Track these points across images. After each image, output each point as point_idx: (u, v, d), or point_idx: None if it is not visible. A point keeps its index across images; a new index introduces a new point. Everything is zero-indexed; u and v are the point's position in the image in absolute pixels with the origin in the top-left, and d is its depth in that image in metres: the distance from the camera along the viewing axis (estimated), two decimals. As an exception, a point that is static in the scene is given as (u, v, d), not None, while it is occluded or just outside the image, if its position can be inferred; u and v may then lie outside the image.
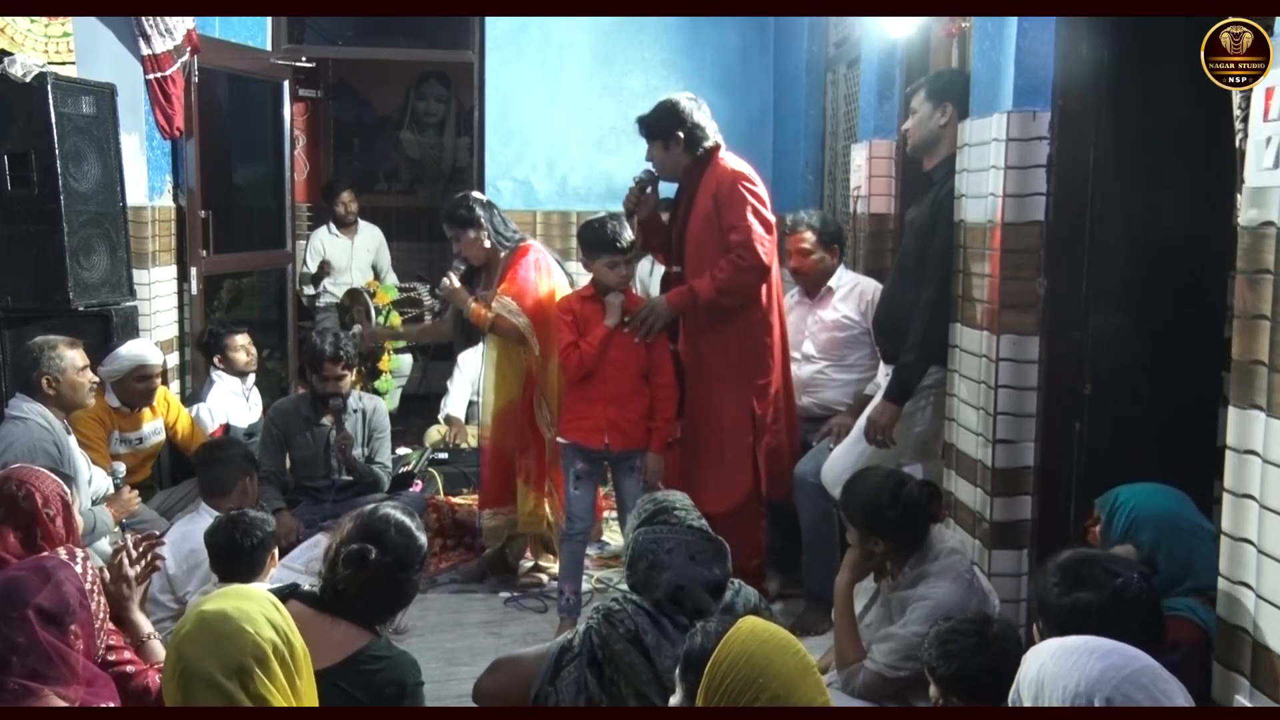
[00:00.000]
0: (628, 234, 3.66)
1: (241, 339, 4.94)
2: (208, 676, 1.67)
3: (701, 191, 3.73)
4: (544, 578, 4.22)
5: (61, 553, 2.09)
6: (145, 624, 2.50)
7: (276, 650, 1.72)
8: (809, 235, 4.06)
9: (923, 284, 3.32)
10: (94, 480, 3.80)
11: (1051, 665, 1.66)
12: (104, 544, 3.49)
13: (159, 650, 2.48)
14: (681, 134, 3.72)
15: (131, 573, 2.49)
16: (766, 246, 3.65)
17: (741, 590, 2.55)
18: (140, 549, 2.56)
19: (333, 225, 6.85)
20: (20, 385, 3.72)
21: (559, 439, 3.80)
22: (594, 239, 3.68)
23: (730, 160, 3.77)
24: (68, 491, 2.48)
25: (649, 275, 5.63)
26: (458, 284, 4.00)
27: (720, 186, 3.69)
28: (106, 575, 2.48)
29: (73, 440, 3.74)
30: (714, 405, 3.76)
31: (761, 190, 3.73)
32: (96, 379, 3.84)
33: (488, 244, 4.01)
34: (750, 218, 3.64)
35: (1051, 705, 1.63)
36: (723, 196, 3.67)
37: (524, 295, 3.91)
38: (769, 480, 3.82)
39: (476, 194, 4.19)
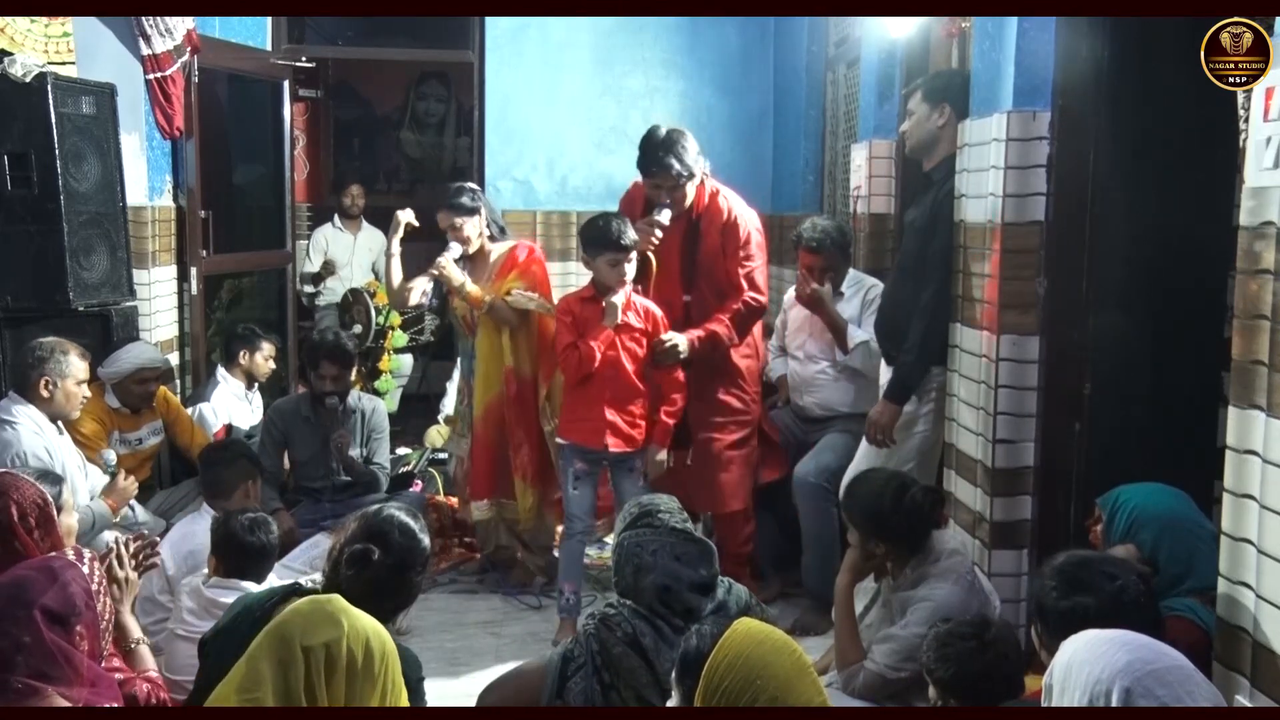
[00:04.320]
0: (630, 233, 3.65)
1: (270, 349, 5.02)
2: (288, 637, 1.71)
3: (708, 226, 3.82)
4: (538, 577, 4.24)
5: (69, 553, 2.08)
6: (135, 629, 2.49)
7: (351, 663, 1.74)
8: (818, 260, 3.97)
9: (923, 285, 3.32)
10: (90, 478, 3.80)
11: (1083, 652, 1.67)
12: (107, 536, 3.48)
13: (147, 657, 2.47)
14: (700, 172, 3.78)
15: (125, 575, 2.49)
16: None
17: (733, 589, 2.54)
18: (133, 550, 2.54)
19: (337, 219, 6.87)
20: (15, 385, 3.70)
21: (558, 439, 3.81)
22: (597, 236, 3.66)
23: (727, 194, 3.87)
24: (50, 500, 2.41)
25: None
26: (453, 265, 3.99)
27: (734, 235, 3.81)
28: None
29: (66, 440, 3.74)
30: (717, 428, 3.88)
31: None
32: (89, 395, 3.84)
33: (487, 233, 4.10)
34: (757, 257, 3.85)
35: (1074, 691, 1.64)
36: (736, 245, 3.81)
37: (540, 286, 4.06)
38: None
39: (473, 185, 4.26)
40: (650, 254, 3.82)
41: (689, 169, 3.70)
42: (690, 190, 3.78)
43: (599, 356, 3.62)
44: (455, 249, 4.02)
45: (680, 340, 3.70)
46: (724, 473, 3.85)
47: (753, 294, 3.82)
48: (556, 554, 4.22)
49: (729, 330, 3.79)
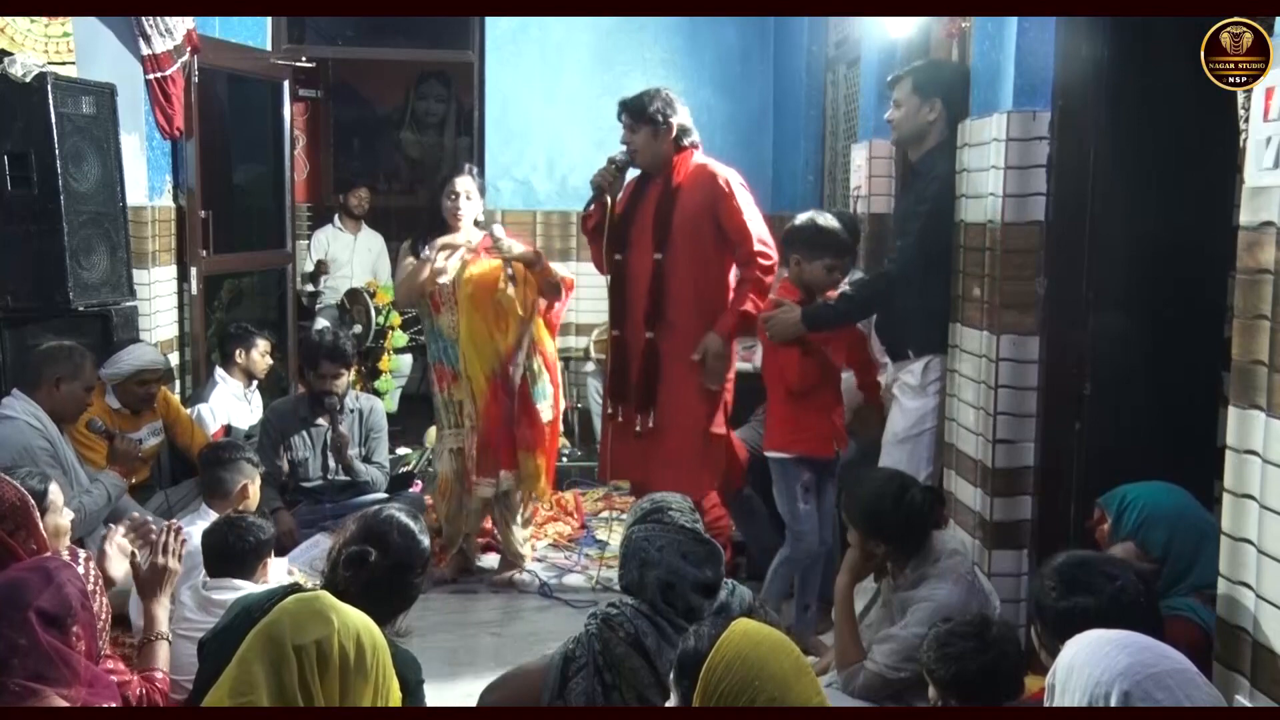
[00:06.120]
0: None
1: (265, 345, 5.02)
2: (278, 637, 1.71)
3: (688, 188, 3.79)
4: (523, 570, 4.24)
5: (64, 553, 2.08)
6: (163, 622, 2.49)
7: (344, 660, 1.73)
8: None
9: (929, 278, 3.30)
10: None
11: (1084, 653, 1.67)
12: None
13: (160, 653, 2.47)
14: (674, 123, 3.77)
15: (164, 563, 2.50)
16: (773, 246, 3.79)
17: (736, 590, 2.54)
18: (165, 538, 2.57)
19: (339, 219, 6.88)
20: (27, 384, 3.70)
21: (774, 453, 3.58)
22: (822, 240, 3.47)
23: (710, 161, 3.87)
24: (32, 503, 2.36)
25: None
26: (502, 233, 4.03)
27: (715, 188, 3.76)
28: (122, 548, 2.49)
29: (64, 438, 3.74)
30: (683, 395, 3.82)
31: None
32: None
33: (481, 217, 4.18)
34: (762, 224, 3.81)
35: (1075, 692, 1.64)
36: (721, 196, 3.75)
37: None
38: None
39: None
40: (607, 198, 3.89)
41: (643, 112, 3.78)
42: (655, 144, 3.82)
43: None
44: (470, 212, 4.11)
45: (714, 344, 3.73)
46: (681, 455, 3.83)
47: (760, 248, 3.72)
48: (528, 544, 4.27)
49: (754, 306, 3.69)
